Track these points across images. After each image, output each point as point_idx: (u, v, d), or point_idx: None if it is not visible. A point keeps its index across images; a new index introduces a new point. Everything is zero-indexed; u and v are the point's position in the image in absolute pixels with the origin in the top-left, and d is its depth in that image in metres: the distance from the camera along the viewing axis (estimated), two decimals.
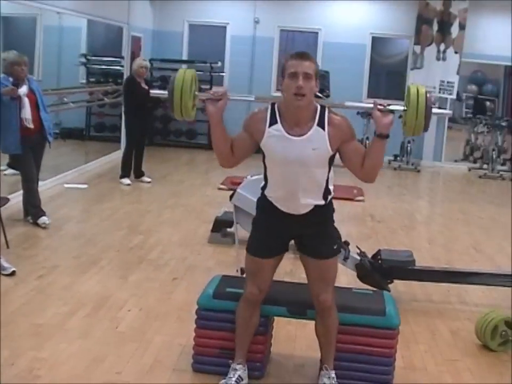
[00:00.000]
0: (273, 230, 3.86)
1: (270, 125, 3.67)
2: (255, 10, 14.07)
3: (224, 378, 3.92)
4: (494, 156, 13.56)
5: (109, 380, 3.99)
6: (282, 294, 4.14)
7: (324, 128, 3.62)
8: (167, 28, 14.45)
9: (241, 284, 4.09)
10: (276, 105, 3.72)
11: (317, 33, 14.11)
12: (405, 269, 5.63)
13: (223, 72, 14.29)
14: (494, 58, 14.28)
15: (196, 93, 3.75)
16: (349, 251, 5.56)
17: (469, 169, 14.12)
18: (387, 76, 14.94)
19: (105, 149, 12.25)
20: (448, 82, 13.77)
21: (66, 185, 9.50)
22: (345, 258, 5.53)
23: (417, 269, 5.70)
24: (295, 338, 4.76)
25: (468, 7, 13.49)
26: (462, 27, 13.60)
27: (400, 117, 3.73)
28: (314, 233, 3.84)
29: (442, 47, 13.69)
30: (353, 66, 14.02)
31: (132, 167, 10.03)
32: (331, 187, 3.83)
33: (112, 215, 8.07)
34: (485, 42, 13.85)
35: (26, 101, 6.88)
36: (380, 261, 5.63)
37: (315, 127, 3.63)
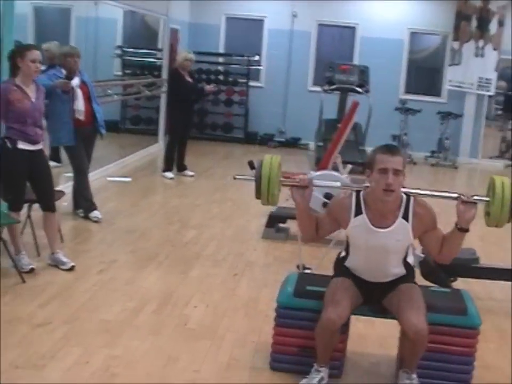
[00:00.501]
0: (355, 282, 3.94)
1: (356, 214, 3.78)
2: (293, 4, 14.00)
3: (306, 377, 3.89)
4: None
5: (187, 378, 3.96)
6: None
7: (407, 220, 3.75)
8: (204, 20, 14.42)
9: (320, 282, 4.11)
10: (361, 194, 3.81)
11: (354, 28, 14.02)
12: (469, 266, 5.58)
13: (260, 66, 14.25)
14: None
15: (281, 179, 3.88)
16: (413, 248, 5.52)
17: (505, 166, 14.01)
18: (424, 71, 14.82)
19: (142, 142, 12.23)
20: (486, 79, 13.67)
21: (109, 179, 9.50)
22: None
23: (481, 267, 5.65)
24: (365, 336, 4.72)
25: (506, 4, 13.37)
26: (501, 24, 13.50)
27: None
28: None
29: (481, 43, 13.60)
30: (390, 62, 13.94)
31: (174, 160, 10.01)
32: (410, 260, 3.97)
33: (161, 209, 8.07)
34: None
35: (79, 92, 6.84)
36: None
37: (400, 219, 3.75)
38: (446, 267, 5.50)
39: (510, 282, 5.74)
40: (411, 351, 3.80)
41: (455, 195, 3.78)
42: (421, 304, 3.79)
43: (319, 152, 11.64)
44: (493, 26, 13.51)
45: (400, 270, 3.91)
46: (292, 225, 6.99)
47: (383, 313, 4.03)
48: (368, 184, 3.81)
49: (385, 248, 3.78)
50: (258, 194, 3.87)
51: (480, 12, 13.45)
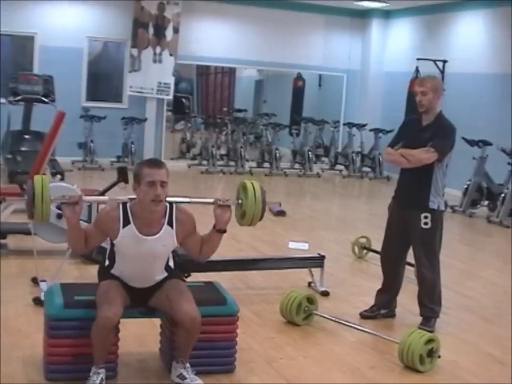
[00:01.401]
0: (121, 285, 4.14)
1: (124, 225, 3.98)
2: None
3: (86, 382, 3.99)
4: (214, 152, 14.33)
5: None
6: None
7: (172, 226, 4.05)
8: None
9: (86, 291, 4.26)
10: (127, 205, 4.03)
11: (33, 37, 13.78)
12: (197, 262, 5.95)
13: None
14: (206, 59, 15.20)
15: (52, 198, 4.03)
16: None
17: (189, 166, 14.76)
18: (106, 78, 15.08)
19: None
20: (164, 83, 14.30)
21: None
22: None
23: (211, 261, 6.02)
24: (125, 337, 4.84)
25: (180, 11, 14.10)
26: (176, 30, 14.20)
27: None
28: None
29: (158, 50, 14.17)
30: (71, 70, 13.87)
31: None
32: (171, 263, 4.28)
33: None
34: (197, 44, 14.61)
35: None
36: (175, 257, 5.89)
37: (165, 226, 4.05)
38: (178, 264, 5.84)
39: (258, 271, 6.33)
40: (187, 339, 4.09)
41: (212, 200, 4.16)
42: (190, 295, 4.12)
43: (10, 165, 11.40)
44: (169, 33, 14.15)
45: (163, 275, 4.21)
46: (12, 240, 6.94)
47: (151, 313, 4.27)
48: (133, 196, 4.07)
49: (153, 254, 4.06)
50: (31, 216, 4.04)
51: (156, 19, 14.02)
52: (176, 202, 4.16)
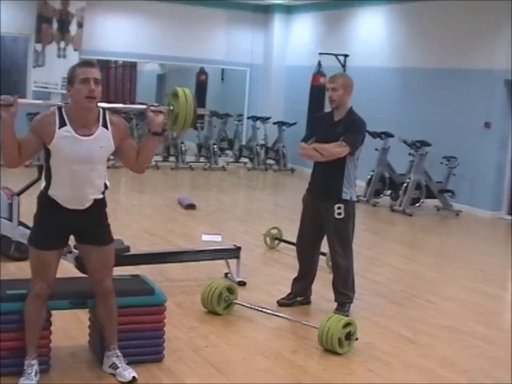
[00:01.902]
0: (57, 224, 4.11)
1: (60, 127, 3.97)
2: None
3: (23, 376, 4.07)
4: None
5: None
6: (62, 289, 4.36)
7: (107, 128, 4.08)
8: None
9: (16, 286, 4.31)
10: (63, 109, 4.03)
11: None
12: (120, 256, 6.05)
13: None
14: (111, 54, 15.21)
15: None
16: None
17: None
18: (10, 74, 14.85)
19: None
20: None
21: None
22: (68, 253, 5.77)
23: (131, 254, 6.14)
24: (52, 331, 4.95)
25: (85, 6, 14.04)
26: (80, 25, 14.13)
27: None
28: (95, 224, 4.23)
29: (62, 44, 14.07)
30: None
31: None
32: (107, 182, 4.25)
33: None
34: (101, 39, 14.58)
35: None
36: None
37: (100, 127, 4.06)
38: None
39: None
40: (108, 314, 4.29)
41: (144, 106, 4.24)
42: (110, 268, 4.32)
43: None
44: (73, 28, 14.08)
45: (98, 193, 4.17)
46: None
47: (83, 304, 4.38)
48: (67, 102, 4.09)
49: (91, 156, 4.03)
50: None
51: (60, 14, 13.91)
52: (109, 108, 4.21)
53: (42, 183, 4.15)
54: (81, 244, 4.27)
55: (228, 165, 15.31)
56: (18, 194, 6.08)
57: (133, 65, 20.85)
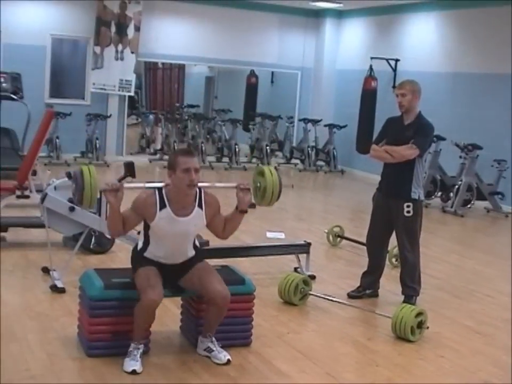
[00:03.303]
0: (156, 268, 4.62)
1: (160, 208, 4.49)
2: None
3: (128, 357, 4.47)
4: (176, 147, 14.81)
5: (20, 378, 4.29)
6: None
7: (202, 208, 4.60)
8: None
9: (120, 274, 4.78)
10: (163, 191, 4.54)
11: None
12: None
13: None
14: (166, 57, 15.79)
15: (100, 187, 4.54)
16: None
17: (150, 161, 15.20)
18: (69, 75, 15.41)
19: None
20: (126, 80, 14.71)
21: None
22: None
23: (210, 248, 6.53)
24: None
25: (142, 10, 14.54)
26: (137, 29, 14.61)
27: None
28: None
29: (120, 47, 14.56)
30: (35, 68, 14.09)
31: None
32: (196, 242, 4.80)
33: None
34: (157, 42, 15.11)
35: None
36: None
37: (196, 208, 4.59)
38: None
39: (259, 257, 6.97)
40: (216, 316, 4.64)
41: (235, 184, 4.70)
42: (219, 276, 4.67)
43: None
44: (130, 31, 14.57)
45: (192, 252, 4.73)
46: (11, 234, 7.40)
47: (181, 292, 4.80)
48: (168, 183, 4.55)
49: (186, 233, 4.59)
50: (81, 201, 4.56)
51: (118, 18, 14.40)
52: (204, 187, 4.67)
53: (140, 243, 4.68)
54: (182, 277, 4.71)
55: (279, 165, 15.67)
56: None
57: (181, 67, 21.28)
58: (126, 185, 4.55)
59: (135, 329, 4.52)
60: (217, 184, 5.07)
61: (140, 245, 4.69)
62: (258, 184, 4.91)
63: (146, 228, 4.60)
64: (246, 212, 4.73)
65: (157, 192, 4.53)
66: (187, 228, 4.57)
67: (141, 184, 4.72)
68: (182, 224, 4.53)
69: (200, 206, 4.58)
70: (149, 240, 4.63)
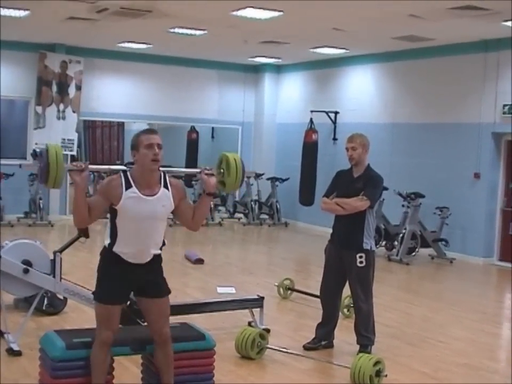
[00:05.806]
0: (121, 278, 4.54)
1: (126, 188, 4.44)
2: None
3: None
4: None
5: None
6: (122, 336, 4.77)
7: (168, 189, 4.54)
8: None
9: (81, 334, 4.73)
10: (128, 173, 4.51)
11: None
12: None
13: None
14: (108, 115, 15.89)
15: (65, 166, 4.45)
16: None
17: None
18: (11, 135, 15.33)
19: None
20: (68, 139, 14.72)
21: None
22: None
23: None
24: None
25: (83, 69, 14.61)
26: (78, 88, 14.68)
27: None
28: (154, 277, 4.67)
29: (61, 107, 14.60)
30: None
31: None
32: (165, 240, 4.70)
33: None
34: (98, 101, 15.19)
35: None
36: (132, 304, 6.33)
37: (162, 188, 4.52)
38: (135, 311, 6.33)
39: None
40: (164, 357, 4.66)
41: (199, 170, 4.72)
42: (167, 317, 4.68)
43: None
44: (72, 91, 14.63)
45: (157, 250, 4.61)
46: None
47: (143, 350, 4.80)
48: (132, 166, 4.55)
49: (154, 214, 4.45)
50: (45, 180, 4.48)
51: (59, 77, 14.47)
52: (167, 171, 4.65)
53: (106, 240, 4.58)
54: (142, 297, 4.67)
55: (223, 220, 15.74)
56: (61, 251, 6.46)
57: (120, 124, 21.30)
58: (92, 166, 4.50)
59: (93, 380, 4.50)
60: (182, 170, 5.01)
61: (108, 241, 4.57)
62: (222, 171, 4.86)
63: (113, 216, 4.50)
64: (213, 194, 4.71)
65: (122, 174, 4.48)
66: (155, 208, 4.45)
67: (106, 167, 4.67)
68: (150, 203, 4.43)
69: (166, 187, 4.53)
70: (116, 232, 4.51)
